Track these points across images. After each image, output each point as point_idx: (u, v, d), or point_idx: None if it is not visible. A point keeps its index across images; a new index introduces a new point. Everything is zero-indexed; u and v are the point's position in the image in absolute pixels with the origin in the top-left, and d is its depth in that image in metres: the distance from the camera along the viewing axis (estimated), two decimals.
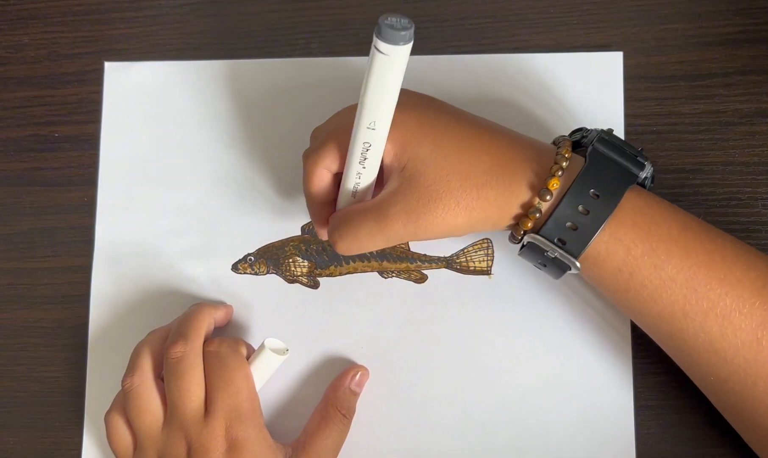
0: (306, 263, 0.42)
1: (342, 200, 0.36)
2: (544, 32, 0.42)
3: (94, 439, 0.42)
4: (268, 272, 0.42)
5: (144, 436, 0.37)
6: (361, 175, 0.35)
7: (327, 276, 0.42)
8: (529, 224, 0.34)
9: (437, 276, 0.41)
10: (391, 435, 0.40)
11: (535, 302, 0.40)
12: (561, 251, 0.33)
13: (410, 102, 0.35)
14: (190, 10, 0.45)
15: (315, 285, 0.42)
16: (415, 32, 0.28)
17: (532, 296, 0.40)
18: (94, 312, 0.43)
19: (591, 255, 0.33)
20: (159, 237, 0.43)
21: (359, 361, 0.41)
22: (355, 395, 0.40)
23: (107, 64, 0.45)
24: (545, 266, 0.35)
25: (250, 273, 0.42)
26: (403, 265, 0.42)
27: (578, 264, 0.34)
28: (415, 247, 0.42)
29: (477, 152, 0.34)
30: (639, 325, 0.36)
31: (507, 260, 0.41)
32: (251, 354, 0.39)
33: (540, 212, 0.33)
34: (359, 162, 0.34)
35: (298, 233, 0.43)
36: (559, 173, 0.33)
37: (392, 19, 0.27)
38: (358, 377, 0.40)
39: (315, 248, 0.42)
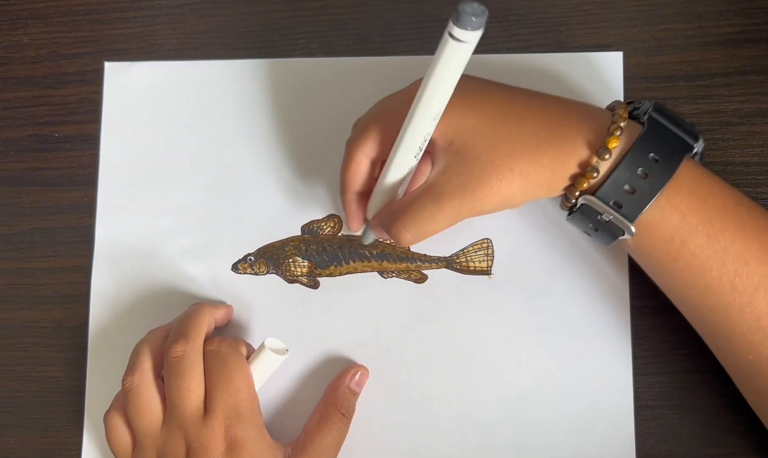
0: (306, 263, 0.42)
1: (384, 193, 0.36)
2: (544, 32, 0.42)
3: (94, 439, 0.42)
4: (268, 272, 0.42)
5: (143, 435, 0.37)
6: (413, 167, 0.34)
7: (327, 276, 0.42)
8: (585, 184, 0.33)
9: (437, 276, 0.41)
10: (390, 435, 0.40)
11: (535, 303, 0.40)
12: (616, 215, 0.33)
13: None
14: (190, 10, 0.45)
15: (315, 285, 0.42)
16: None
17: (532, 296, 0.40)
18: (94, 312, 0.43)
19: (645, 221, 0.33)
20: (159, 237, 0.43)
21: (359, 361, 0.41)
22: (355, 394, 0.40)
23: (107, 64, 0.45)
24: (596, 230, 0.35)
25: (250, 273, 0.42)
26: (403, 265, 0.42)
27: (633, 229, 0.33)
28: (415, 247, 0.42)
29: (524, 116, 0.33)
30: (678, 303, 0.36)
31: (507, 260, 0.41)
32: (251, 353, 0.39)
33: (597, 171, 0.33)
34: (414, 156, 0.34)
35: (298, 233, 0.43)
36: (618, 132, 0.33)
37: (469, 7, 0.28)
38: (357, 376, 0.40)
39: (315, 248, 0.42)
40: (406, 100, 0.32)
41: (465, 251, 0.41)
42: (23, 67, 0.46)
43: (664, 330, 0.38)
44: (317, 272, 0.42)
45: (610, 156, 0.33)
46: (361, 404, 0.40)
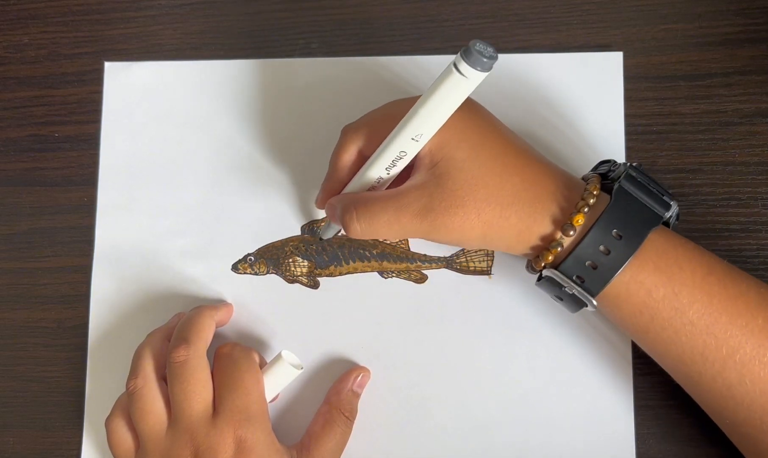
0: (306, 263, 0.42)
1: (355, 186, 0.37)
2: (544, 32, 0.42)
3: (94, 439, 0.42)
4: (268, 272, 0.42)
5: (147, 439, 0.36)
6: (382, 179, 0.35)
7: (327, 276, 0.42)
8: (550, 258, 0.34)
9: (437, 276, 0.41)
10: (390, 435, 0.40)
11: (535, 303, 0.40)
12: (579, 289, 0.33)
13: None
14: (190, 10, 0.45)
15: (315, 285, 0.42)
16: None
17: (532, 296, 0.40)
18: (94, 312, 0.43)
19: (610, 295, 0.33)
20: (159, 237, 0.43)
21: (359, 361, 0.41)
22: (357, 396, 0.40)
23: (107, 64, 0.45)
24: (562, 299, 0.35)
25: (250, 273, 0.42)
26: (403, 265, 0.42)
27: (595, 303, 0.34)
28: (416, 247, 0.42)
29: (510, 171, 0.34)
30: (659, 364, 0.36)
31: (507, 260, 0.41)
32: (263, 364, 0.39)
33: (561, 246, 0.33)
34: (386, 168, 0.34)
35: (298, 233, 0.43)
36: (585, 209, 0.33)
37: (481, 46, 0.28)
38: (359, 378, 0.40)
39: (315, 248, 0.42)
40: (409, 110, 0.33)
41: (465, 251, 0.41)
42: (23, 67, 0.46)
43: None
44: (317, 272, 0.42)
45: (575, 232, 0.33)
46: (361, 404, 0.40)
